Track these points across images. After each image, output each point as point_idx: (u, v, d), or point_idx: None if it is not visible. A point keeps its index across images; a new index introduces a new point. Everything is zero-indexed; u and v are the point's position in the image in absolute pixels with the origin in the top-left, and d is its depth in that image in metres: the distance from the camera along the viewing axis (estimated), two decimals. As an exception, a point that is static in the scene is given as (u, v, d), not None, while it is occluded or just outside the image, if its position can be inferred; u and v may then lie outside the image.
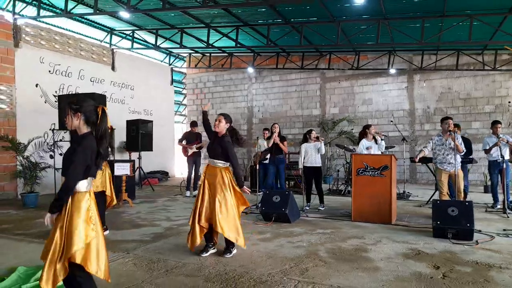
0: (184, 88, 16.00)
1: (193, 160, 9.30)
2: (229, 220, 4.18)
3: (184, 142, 9.39)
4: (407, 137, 10.99)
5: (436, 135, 6.49)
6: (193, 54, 14.71)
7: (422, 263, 3.99)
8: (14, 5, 9.00)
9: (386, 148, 8.15)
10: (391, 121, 9.51)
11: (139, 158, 10.63)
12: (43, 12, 9.15)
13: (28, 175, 8.11)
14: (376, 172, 6.02)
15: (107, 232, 5.28)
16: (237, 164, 4.39)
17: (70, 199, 2.45)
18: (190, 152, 9.27)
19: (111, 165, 6.58)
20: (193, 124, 9.74)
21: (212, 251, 4.37)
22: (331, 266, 3.92)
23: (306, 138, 7.30)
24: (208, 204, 4.25)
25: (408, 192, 8.85)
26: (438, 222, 4.97)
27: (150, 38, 12.05)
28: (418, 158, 6.61)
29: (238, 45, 11.21)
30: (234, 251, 4.34)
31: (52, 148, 9.46)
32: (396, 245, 4.70)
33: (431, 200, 7.07)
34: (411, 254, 4.30)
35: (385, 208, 5.90)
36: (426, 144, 6.62)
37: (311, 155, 7.14)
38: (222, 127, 4.37)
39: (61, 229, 2.41)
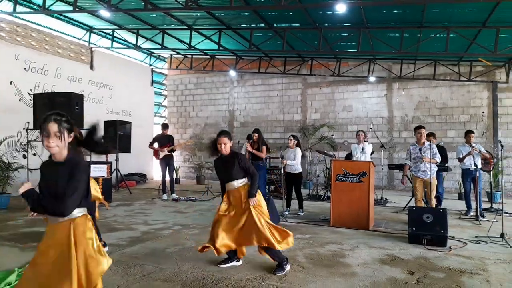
0: (164, 90, 15.82)
1: (166, 163, 9.21)
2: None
3: (156, 145, 9.28)
4: (385, 144, 11.20)
5: (411, 145, 6.62)
6: (175, 56, 14.58)
7: (397, 268, 4.06)
8: (-11, -1, 8.71)
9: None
10: (370, 128, 9.68)
11: (117, 160, 10.43)
12: (19, 8, 8.88)
13: (0, 175, 7.82)
14: (355, 178, 6.10)
15: None
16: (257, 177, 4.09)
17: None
18: (161, 155, 9.17)
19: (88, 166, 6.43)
20: (165, 126, 9.65)
21: (235, 263, 4.10)
22: (309, 272, 3.93)
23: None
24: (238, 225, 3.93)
25: (385, 199, 9.02)
26: (414, 229, 5.08)
27: (131, 38, 11.86)
28: (405, 179, 6.75)
29: (221, 48, 11.18)
30: (288, 267, 3.95)
31: (26, 148, 9.14)
32: (372, 250, 4.76)
33: (407, 206, 7.21)
34: (387, 260, 4.37)
35: (363, 214, 5.98)
36: (406, 156, 6.75)
37: (290, 161, 7.20)
38: (229, 148, 4.02)
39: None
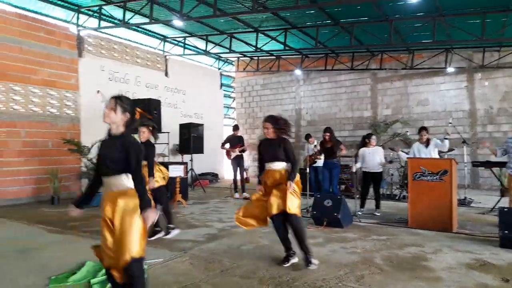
0: (232, 92, 16.28)
1: (237, 163, 9.50)
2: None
3: (227, 146, 9.60)
4: (467, 139, 10.32)
5: (509, 137, 5.96)
6: (242, 58, 14.94)
7: (488, 274, 3.75)
8: (78, 18, 9.71)
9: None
10: (450, 122, 8.97)
11: (191, 160, 10.97)
12: (103, 23, 9.76)
13: (91, 176, 8.65)
14: (434, 177, 5.73)
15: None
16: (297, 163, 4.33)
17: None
18: (233, 155, 9.46)
19: (167, 167, 6.84)
20: (235, 128, 9.94)
21: (293, 260, 4.10)
22: (388, 274, 3.79)
23: (364, 142, 7.19)
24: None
25: (469, 198, 8.32)
26: (506, 231, 4.64)
27: (200, 44, 12.40)
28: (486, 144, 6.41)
29: (286, 48, 11.21)
30: (315, 262, 4.00)
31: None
32: (458, 254, 4.44)
33: (496, 207, 6.59)
34: (476, 265, 4.05)
35: (445, 215, 5.59)
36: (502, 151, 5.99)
37: (370, 160, 7.00)
38: (272, 133, 4.26)
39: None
